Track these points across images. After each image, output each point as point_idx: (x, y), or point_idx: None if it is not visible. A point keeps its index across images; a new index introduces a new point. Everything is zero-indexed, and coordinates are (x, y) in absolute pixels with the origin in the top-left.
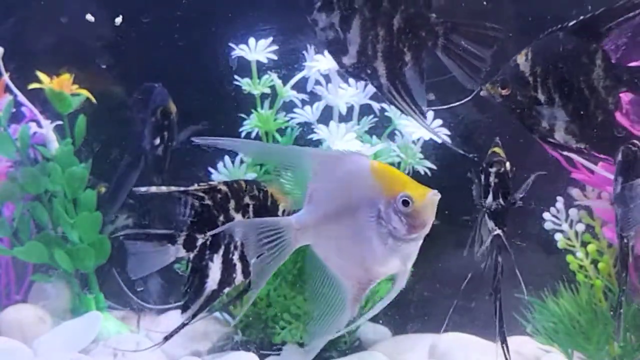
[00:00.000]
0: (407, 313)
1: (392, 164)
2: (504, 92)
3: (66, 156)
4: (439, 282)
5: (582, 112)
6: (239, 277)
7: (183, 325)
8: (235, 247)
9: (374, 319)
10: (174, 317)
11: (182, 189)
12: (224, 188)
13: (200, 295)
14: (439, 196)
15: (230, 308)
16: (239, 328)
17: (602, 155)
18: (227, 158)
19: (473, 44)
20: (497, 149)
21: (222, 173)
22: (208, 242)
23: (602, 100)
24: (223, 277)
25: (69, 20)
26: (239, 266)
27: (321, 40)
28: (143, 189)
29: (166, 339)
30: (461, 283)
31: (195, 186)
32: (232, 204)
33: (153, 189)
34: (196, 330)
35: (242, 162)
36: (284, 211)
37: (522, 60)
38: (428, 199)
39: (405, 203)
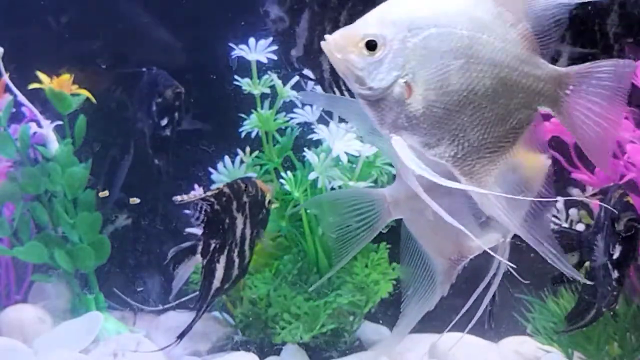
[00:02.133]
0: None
1: (392, 164)
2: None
3: (66, 156)
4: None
5: (588, 52)
6: (235, 272)
7: (192, 325)
8: (236, 245)
9: (373, 319)
10: (174, 317)
11: (202, 195)
12: (227, 190)
13: (208, 294)
14: (549, 162)
15: (230, 308)
16: (239, 328)
17: None
18: (227, 158)
19: None
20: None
21: (222, 173)
22: (217, 246)
23: (609, 46)
24: (225, 274)
25: (69, 21)
26: (237, 262)
27: (271, 31)
28: (178, 198)
29: (180, 337)
30: (461, 283)
31: (209, 192)
32: (234, 204)
33: (186, 197)
34: (196, 330)
35: (242, 162)
36: (269, 202)
37: None
38: (540, 164)
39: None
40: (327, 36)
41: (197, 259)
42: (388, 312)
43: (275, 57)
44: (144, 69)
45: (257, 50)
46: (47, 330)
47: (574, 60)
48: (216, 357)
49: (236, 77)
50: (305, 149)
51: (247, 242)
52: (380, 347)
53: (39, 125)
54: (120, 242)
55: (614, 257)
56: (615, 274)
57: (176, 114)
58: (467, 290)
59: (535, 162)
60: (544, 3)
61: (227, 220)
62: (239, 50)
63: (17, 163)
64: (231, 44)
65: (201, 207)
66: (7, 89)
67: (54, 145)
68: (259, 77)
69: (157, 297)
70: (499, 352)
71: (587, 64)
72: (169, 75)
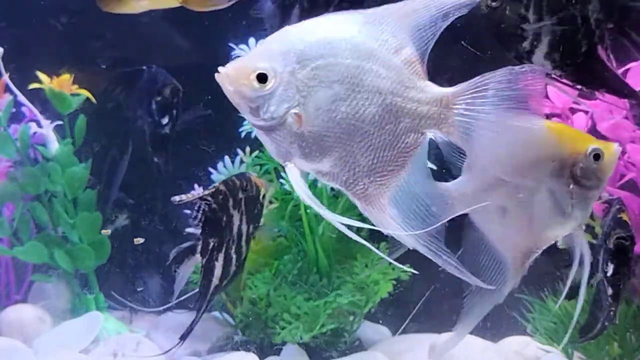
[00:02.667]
0: (407, 313)
1: None
2: (494, 3)
3: (66, 156)
4: (439, 282)
5: (568, 39)
6: (233, 268)
7: (193, 324)
8: (233, 241)
9: (373, 319)
10: (174, 317)
11: (201, 194)
12: (223, 188)
13: (207, 293)
14: (620, 149)
15: (230, 308)
16: (239, 328)
17: (578, 86)
18: (227, 158)
19: None
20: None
21: (222, 173)
22: (216, 244)
23: (590, 32)
24: (223, 271)
25: (69, 21)
26: (234, 258)
27: (265, 27)
28: (177, 198)
29: (182, 338)
30: (461, 283)
31: (206, 191)
32: (230, 202)
33: (184, 197)
34: (196, 330)
35: (242, 162)
36: (263, 196)
37: None
38: (615, 151)
39: (597, 157)
40: (220, 69)
41: (197, 259)
42: (388, 312)
43: None
44: (143, 67)
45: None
46: (47, 330)
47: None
48: (216, 357)
49: None
50: None
51: (244, 237)
52: (443, 345)
53: (39, 125)
54: (120, 242)
55: (608, 274)
56: (610, 291)
57: (174, 112)
58: (466, 290)
59: (608, 149)
60: (424, 23)
61: (224, 218)
62: (239, 50)
63: (17, 163)
64: (231, 44)
65: (199, 207)
66: (7, 89)
67: (54, 145)
68: None
69: (157, 297)
70: (499, 352)
71: (474, 79)
72: (167, 73)
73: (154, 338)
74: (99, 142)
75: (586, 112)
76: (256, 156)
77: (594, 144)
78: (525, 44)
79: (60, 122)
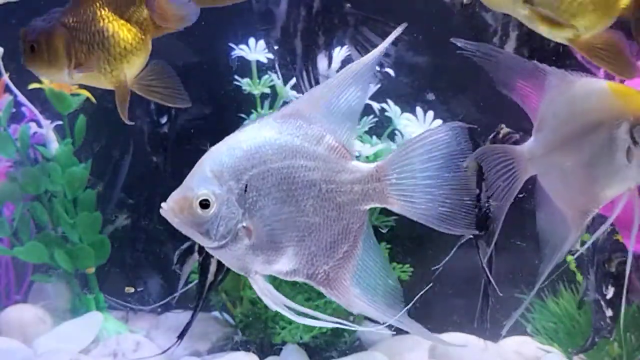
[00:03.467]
0: (407, 313)
1: None
2: (465, 1)
3: (66, 156)
4: (439, 282)
5: (534, 36)
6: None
7: (190, 322)
8: None
9: (373, 319)
10: (174, 317)
11: None
12: None
13: (203, 290)
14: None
15: (230, 308)
16: (239, 328)
17: None
18: None
19: (380, 39)
20: None
21: None
22: None
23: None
24: (218, 268)
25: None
26: None
27: (255, 12)
28: None
29: (180, 337)
30: (461, 283)
31: None
32: None
33: None
34: (196, 330)
35: None
36: None
37: None
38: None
39: None
40: (163, 205)
41: (195, 257)
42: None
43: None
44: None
45: (257, 50)
46: (47, 330)
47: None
48: (216, 357)
49: (236, 77)
50: None
51: None
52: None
53: (39, 125)
54: (120, 242)
55: (607, 297)
56: (609, 312)
57: (173, 111)
58: (467, 290)
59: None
60: (338, 102)
61: None
62: (239, 50)
63: (17, 163)
64: (231, 44)
65: None
66: (7, 89)
67: (54, 145)
68: (259, 77)
69: (157, 296)
70: (499, 352)
71: (399, 148)
72: None
73: (153, 338)
74: (100, 142)
75: None
76: None
77: None
78: (495, 40)
79: (60, 122)
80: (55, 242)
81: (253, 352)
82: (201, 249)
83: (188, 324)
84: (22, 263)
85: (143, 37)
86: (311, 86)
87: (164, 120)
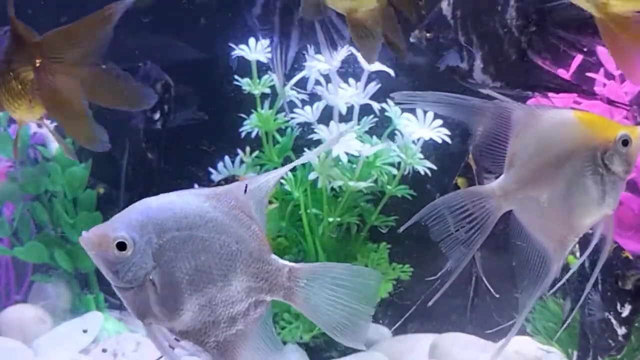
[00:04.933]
0: (407, 313)
1: (392, 164)
2: (428, 35)
3: (66, 156)
4: (439, 282)
5: (497, 51)
6: None
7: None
8: None
9: (373, 319)
10: None
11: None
12: None
13: None
14: None
15: None
16: None
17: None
18: (227, 158)
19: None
20: None
21: (222, 173)
22: None
23: (515, 40)
24: None
25: (69, 20)
26: None
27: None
28: None
29: (178, 339)
30: (462, 283)
31: None
32: None
33: None
34: None
35: (242, 162)
36: None
37: (444, 5)
38: None
39: (625, 143)
40: (84, 233)
41: None
42: (388, 312)
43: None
44: (140, 64)
45: (257, 50)
46: (47, 330)
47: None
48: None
49: (236, 77)
50: (305, 149)
51: None
52: (505, 341)
53: (39, 125)
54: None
55: (623, 315)
56: (622, 330)
57: (166, 108)
58: (467, 290)
59: (634, 133)
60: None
61: None
62: (239, 50)
63: (17, 163)
64: (231, 44)
65: None
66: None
67: (54, 145)
68: (259, 77)
69: None
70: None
71: (323, 264)
72: (160, 69)
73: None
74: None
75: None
76: (256, 156)
77: (622, 130)
78: (464, 65)
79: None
80: (55, 242)
81: None
82: None
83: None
84: (22, 263)
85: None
86: (283, 62)
87: (156, 116)
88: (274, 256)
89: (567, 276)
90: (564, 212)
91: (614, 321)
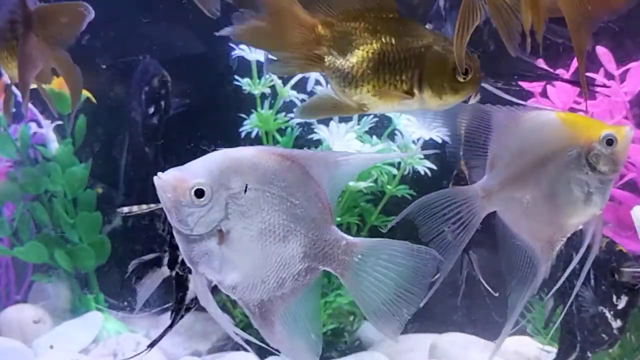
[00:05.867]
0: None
1: (392, 164)
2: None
3: (66, 156)
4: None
5: (477, 42)
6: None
7: (163, 334)
8: None
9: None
10: None
11: (160, 205)
12: None
13: (182, 305)
14: (633, 132)
15: (230, 308)
16: (239, 328)
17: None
18: None
19: None
20: None
21: None
22: None
23: (494, 30)
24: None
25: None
26: None
27: None
28: (126, 209)
29: (150, 346)
30: (462, 283)
31: None
32: None
33: (135, 208)
34: (196, 330)
35: None
36: None
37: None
38: (627, 134)
39: (610, 142)
40: (160, 174)
41: (164, 272)
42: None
43: (275, 57)
44: (139, 58)
45: (257, 50)
46: (47, 330)
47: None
48: (216, 357)
49: (236, 77)
50: (305, 149)
51: None
52: (498, 342)
53: (39, 125)
54: (112, 240)
55: (619, 307)
56: (617, 324)
57: (163, 103)
58: (467, 290)
59: (620, 133)
60: (339, 176)
61: None
62: (239, 50)
63: (17, 163)
64: (231, 44)
65: (165, 218)
66: (7, 89)
67: (54, 145)
68: (259, 77)
69: (156, 297)
70: (499, 352)
71: (379, 240)
72: (158, 64)
73: (153, 338)
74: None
75: (586, 112)
76: None
77: (606, 129)
78: None
79: (60, 122)
80: (55, 242)
81: (253, 352)
82: (172, 264)
83: (160, 336)
84: (22, 263)
85: None
86: None
87: (151, 110)
88: (334, 227)
89: (564, 276)
90: (550, 212)
91: (608, 315)
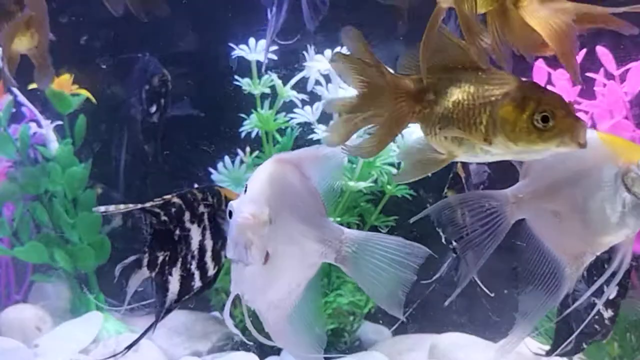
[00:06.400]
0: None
1: (392, 164)
2: None
3: (66, 156)
4: (439, 282)
5: None
6: (197, 284)
7: (143, 335)
8: (193, 257)
9: (373, 319)
10: (174, 317)
11: (139, 206)
12: (177, 201)
13: (163, 307)
14: None
15: (231, 309)
16: (239, 328)
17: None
18: (227, 158)
19: None
20: None
21: (222, 173)
22: (167, 258)
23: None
24: (182, 287)
25: (69, 20)
26: (197, 274)
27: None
28: (102, 208)
29: (128, 348)
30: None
31: (151, 202)
32: (186, 215)
33: (112, 208)
34: (196, 330)
35: (242, 162)
36: None
37: None
38: None
39: None
40: (239, 219)
41: (144, 273)
42: (388, 312)
43: (275, 57)
44: (138, 55)
45: (257, 50)
46: (47, 331)
47: None
48: (216, 357)
49: (236, 77)
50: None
51: (209, 253)
52: (502, 346)
53: (39, 125)
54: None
55: (610, 297)
56: (608, 314)
57: (162, 101)
58: (467, 290)
59: None
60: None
61: (177, 232)
62: (239, 50)
63: (17, 163)
64: (231, 44)
65: (145, 218)
66: (7, 89)
67: (54, 145)
68: (259, 77)
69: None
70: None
71: (372, 234)
72: (158, 62)
73: (153, 338)
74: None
75: (586, 112)
76: (256, 156)
77: None
78: None
79: (60, 122)
80: (55, 242)
81: (253, 352)
82: (152, 265)
83: (140, 337)
84: (22, 263)
85: None
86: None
87: (153, 109)
88: (330, 220)
89: (587, 295)
90: (581, 228)
91: (602, 305)
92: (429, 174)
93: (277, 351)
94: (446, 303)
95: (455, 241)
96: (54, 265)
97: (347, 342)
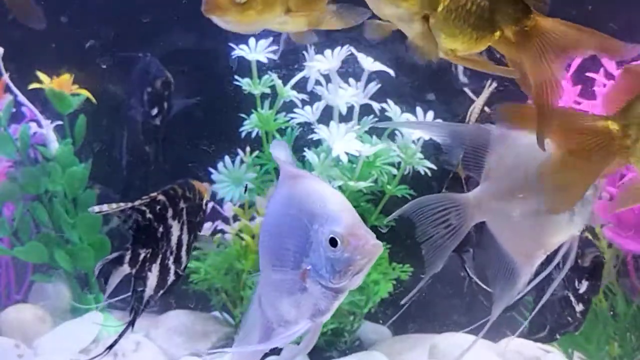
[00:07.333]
0: (407, 313)
1: (392, 164)
2: None
3: (66, 156)
4: (439, 282)
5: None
6: (171, 278)
7: (122, 334)
8: (171, 252)
9: (373, 319)
10: (174, 317)
11: (129, 205)
12: (162, 198)
13: (140, 304)
14: None
15: (230, 308)
16: (239, 328)
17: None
18: (227, 158)
19: None
20: None
21: (222, 173)
22: (148, 255)
23: None
24: (158, 282)
25: (69, 20)
26: (172, 269)
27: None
28: (96, 208)
29: (109, 348)
30: (461, 283)
31: (140, 201)
32: (170, 212)
33: (105, 207)
34: (196, 330)
35: (242, 162)
36: (206, 203)
37: None
38: None
39: None
40: (371, 242)
41: (125, 270)
42: (388, 312)
43: (275, 57)
44: (139, 54)
45: (257, 50)
46: (47, 330)
47: None
48: (216, 357)
49: (236, 77)
50: (305, 149)
51: (184, 247)
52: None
53: (39, 125)
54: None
55: (580, 291)
56: (580, 307)
57: (165, 104)
58: (467, 290)
59: None
60: None
61: (160, 229)
62: (239, 50)
63: (17, 163)
64: (231, 44)
65: (130, 216)
66: (7, 89)
67: (54, 145)
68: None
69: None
70: (499, 352)
71: None
72: (160, 64)
73: (154, 338)
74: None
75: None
76: (256, 156)
77: None
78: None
79: (60, 122)
80: (55, 242)
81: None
82: (133, 262)
83: (119, 337)
84: (22, 263)
85: None
86: None
87: (154, 111)
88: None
89: (546, 296)
90: (534, 230)
91: (572, 298)
92: (429, 174)
93: (277, 351)
94: (403, 301)
95: (422, 241)
96: (54, 265)
97: (347, 342)
